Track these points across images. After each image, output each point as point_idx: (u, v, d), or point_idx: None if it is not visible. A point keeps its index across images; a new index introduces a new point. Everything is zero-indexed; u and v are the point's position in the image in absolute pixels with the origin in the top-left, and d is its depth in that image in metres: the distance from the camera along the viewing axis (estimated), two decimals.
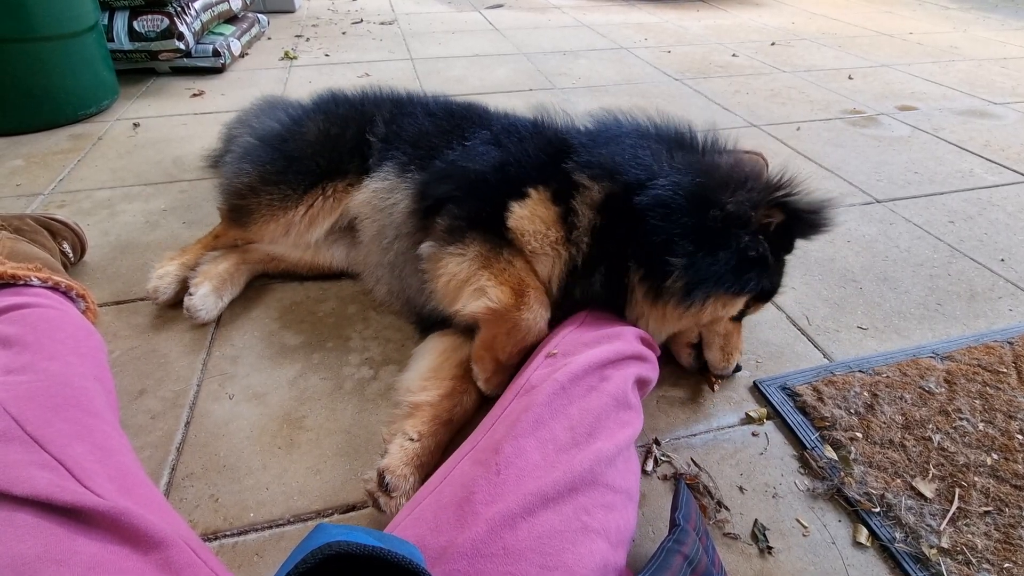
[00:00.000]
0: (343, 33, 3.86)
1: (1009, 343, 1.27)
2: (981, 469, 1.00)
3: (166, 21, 2.73)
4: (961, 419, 1.09)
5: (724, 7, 4.86)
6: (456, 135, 1.29)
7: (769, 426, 1.10)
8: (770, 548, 0.89)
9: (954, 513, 0.93)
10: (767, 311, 1.39)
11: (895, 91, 2.90)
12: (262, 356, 1.23)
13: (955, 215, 1.82)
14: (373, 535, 0.55)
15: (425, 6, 4.75)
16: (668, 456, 1.04)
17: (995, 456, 1.02)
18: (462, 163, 1.19)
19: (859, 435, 1.05)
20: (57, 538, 0.63)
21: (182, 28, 2.77)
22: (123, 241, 1.59)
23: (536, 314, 1.02)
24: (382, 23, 4.15)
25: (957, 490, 0.96)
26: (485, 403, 1.08)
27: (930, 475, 0.99)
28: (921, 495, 0.96)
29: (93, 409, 0.89)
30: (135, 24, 2.71)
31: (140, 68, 2.87)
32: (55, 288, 1.16)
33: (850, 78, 3.08)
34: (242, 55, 3.30)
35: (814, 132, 2.40)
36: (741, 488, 0.99)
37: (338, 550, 0.49)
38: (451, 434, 1.03)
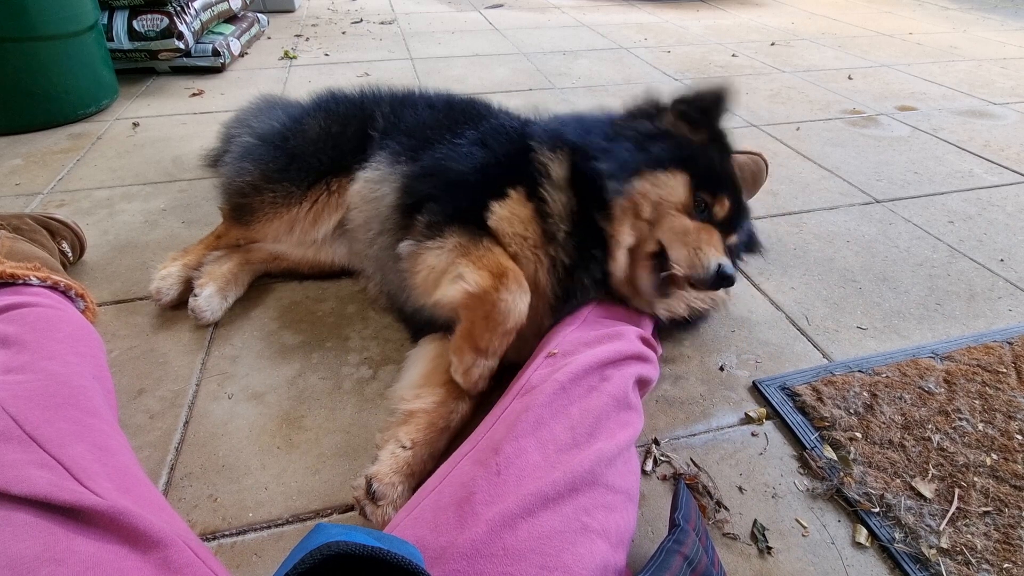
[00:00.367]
0: (343, 33, 3.86)
1: (1008, 343, 1.27)
2: (980, 469, 1.00)
3: (166, 20, 2.73)
4: (960, 419, 1.09)
5: (724, 7, 4.86)
6: (449, 130, 1.28)
7: (769, 426, 1.10)
8: (769, 548, 0.89)
9: (953, 513, 0.93)
10: (766, 311, 1.39)
11: (895, 91, 2.90)
12: (261, 356, 1.23)
13: (955, 215, 1.82)
14: (372, 535, 0.55)
15: (425, 6, 4.75)
16: (668, 456, 1.03)
17: (995, 456, 1.02)
18: (446, 162, 1.19)
19: (859, 435, 1.05)
20: (56, 537, 0.63)
21: (182, 27, 2.77)
22: (122, 240, 1.59)
23: (515, 296, 0.98)
24: (382, 23, 4.14)
25: (956, 490, 0.96)
26: (483, 407, 1.05)
27: (930, 475, 0.99)
28: (921, 495, 0.95)
29: (92, 408, 0.88)
30: (135, 23, 2.71)
31: (140, 67, 2.87)
32: (54, 287, 1.16)
33: (850, 78, 3.08)
34: (242, 55, 3.30)
35: (814, 132, 2.40)
36: (740, 488, 0.99)
37: (337, 550, 0.49)
38: (448, 440, 1.01)
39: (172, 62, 2.90)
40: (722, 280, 1.00)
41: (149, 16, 2.73)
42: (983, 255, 1.62)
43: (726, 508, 0.95)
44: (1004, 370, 1.20)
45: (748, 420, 1.11)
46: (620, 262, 1.06)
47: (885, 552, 0.89)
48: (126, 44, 2.73)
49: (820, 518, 0.94)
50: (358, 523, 0.92)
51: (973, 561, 0.86)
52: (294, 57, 3.30)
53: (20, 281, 1.13)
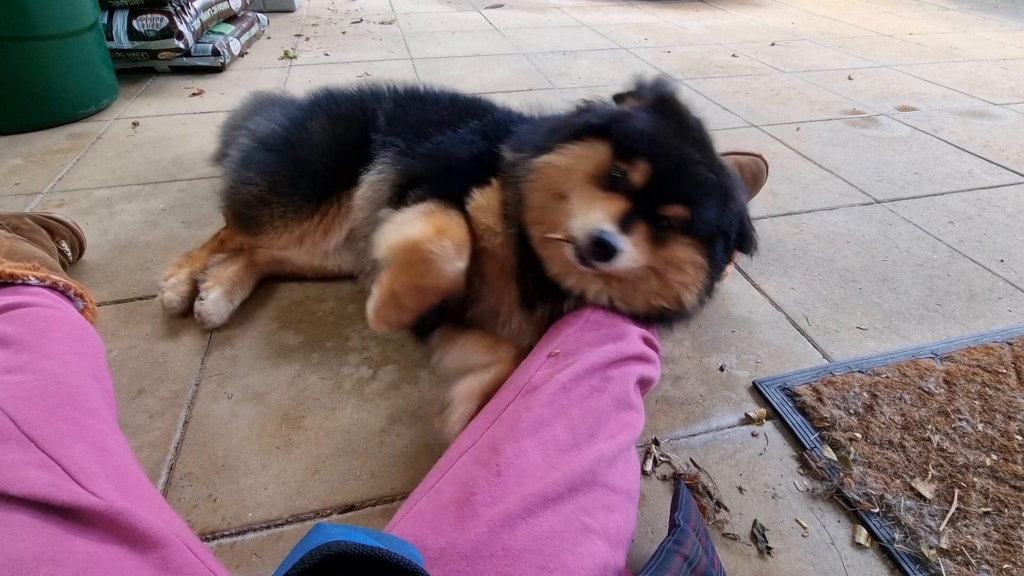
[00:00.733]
0: (343, 33, 3.86)
1: (1008, 344, 1.27)
2: (980, 470, 1.00)
3: (166, 20, 2.73)
4: (960, 420, 1.09)
5: (724, 7, 4.86)
6: (452, 124, 1.28)
7: (768, 426, 1.10)
8: (769, 548, 0.89)
9: (953, 514, 0.93)
10: (767, 311, 1.39)
11: (895, 91, 2.90)
12: (261, 356, 1.23)
13: (955, 216, 1.82)
14: (372, 535, 0.55)
15: (425, 6, 4.75)
16: (667, 456, 1.03)
17: (994, 457, 1.02)
18: (446, 146, 1.20)
19: (858, 435, 1.05)
20: (54, 538, 0.63)
21: (182, 27, 2.77)
22: (122, 240, 1.59)
23: (446, 254, 0.96)
24: (382, 23, 4.14)
25: (956, 491, 0.96)
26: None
27: (929, 476, 0.98)
28: (920, 496, 0.95)
29: (90, 409, 0.88)
30: (135, 23, 2.71)
31: (139, 67, 2.86)
32: (53, 287, 1.16)
33: (850, 78, 3.08)
34: (242, 54, 3.30)
35: (814, 132, 2.40)
36: (740, 488, 0.99)
37: (337, 550, 0.48)
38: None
39: (172, 62, 2.89)
40: (600, 247, 0.88)
41: (149, 16, 2.73)
42: (983, 255, 1.62)
43: (726, 508, 0.95)
44: (1004, 371, 1.20)
45: (748, 420, 1.11)
46: (538, 245, 1.01)
47: (885, 552, 0.89)
48: (126, 44, 2.73)
49: (820, 518, 0.94)
50: (361, 521, 0.92)
51: (973, 562, 0.86)
52: (294, 57, 3.30)
53: (19, 281, 1.13)
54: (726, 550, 0.89)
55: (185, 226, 1.66)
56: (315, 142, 1.35)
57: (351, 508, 0.93)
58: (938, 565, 0.86)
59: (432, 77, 2.96)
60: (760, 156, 1.61)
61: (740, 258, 1.48)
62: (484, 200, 1.07)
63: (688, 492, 0.86)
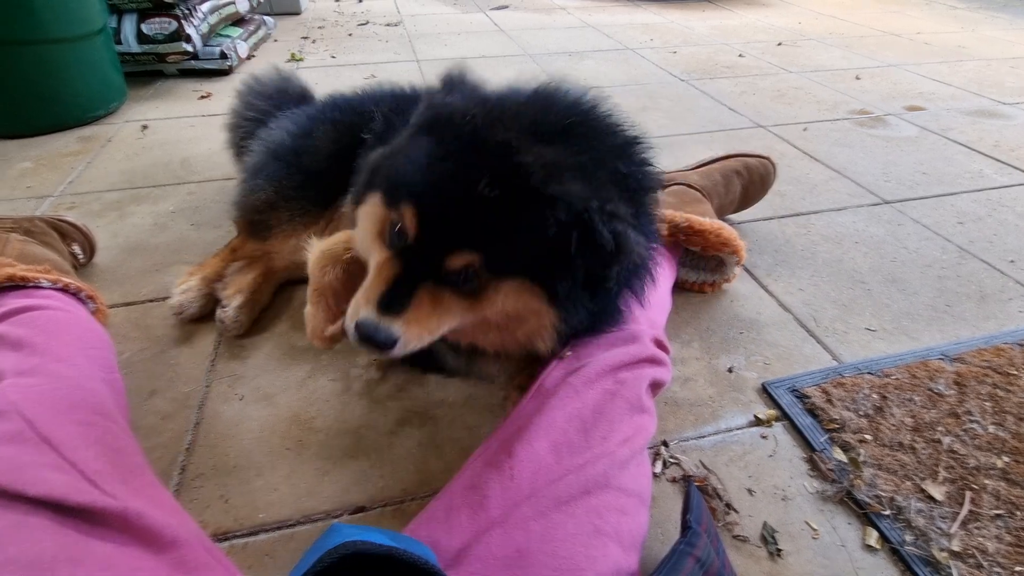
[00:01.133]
0: (349, 35, 3.87)
1: (1020, 345, 1.26)
2: (992, 472, 0.99)
3: (174, 24, 2.74)
4: (971, 421, 1.08)
5: (730, 7, 4.85)
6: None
7: (778, 428, 1.10)
8: (779, 551, 0.89)
9: (965, 516, 0.92)
10: (774, 312, 1.38)
11: (903, 91, 2.89)
12: (271, 357, 1.24)
13: (964, 216, 1.81)
14: (387, 535, 0.55)
15: (430, 7, 4.76)
16: (677, 458, 1.03)
17: (1006, 459, 1.01)
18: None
19: (868, 437, 1.05)
20: (72, 539, 0.63)
21: (190, 30, 2.79)
22: (132, 243, 1.60)
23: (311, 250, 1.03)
24: (387, 24, 4.15)
25: (968, 493, 0.96)
26: None
27: (940, 478, 0.98)
28: (931, 498, 0.95)
29: (103, 410, 0.89)
30: (143, 27, 2.73)
31: (147, 70, 2.88)
32: (64, 290, 1.17)
33: (857, 78, 3.07)
34: (249, 57, 3.31)
35: (821, 133, 2.39)
36: (750, 490, 0.98)
37: (354, 549, 0.49)
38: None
39: (180, 65, 2.91)
40: (367, 340, 0.74)
41: (158, 19, 2.74)
42: (993, 256, 1.61)
43: (735, 510, 0.95)
44: (1015, 372, 1.19)
45: (757, 422, 1.11)
46: None
47: (896, 555, 0.89)
48: (135, 47, 2.75)
49: (830, 520, 0.94)
50: (372, 522, 0.93)
51: (985, 564, 0.86)
52: (301, 59, 3.32)
53: (31, 284, 1.14)
54: (736, 552, 0.89)
55: (194, 228, 1.67)
56: (319, 148, 1.37)
57: (362, 509, 0.94)
58: (949, 568, 0.85)
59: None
60: (768, 158, 1.60)
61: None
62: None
63: (699, 494, 0.86)
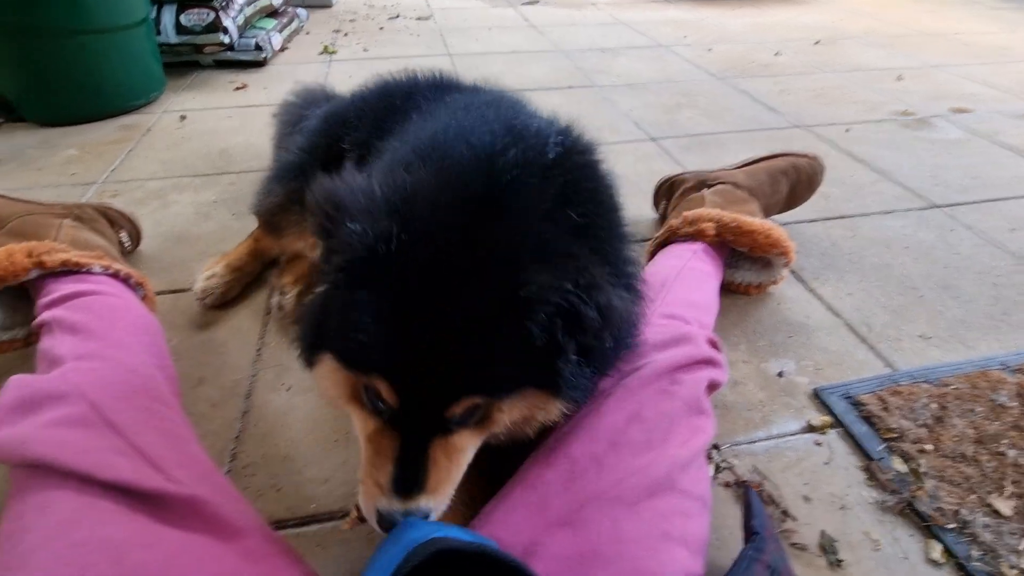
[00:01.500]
0: (380, 28, 3.88)
1: None
2: None
3: (212, 15, 2.77)
4: None
5: (762, 5, 4.76)
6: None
7: (832, 435, 1.07)
8: (840, 560, 0.87)
9: None
10: (823, 317, 1.35)
11: (947, 92, 2.81)
12: None
13: (1017, 222, 1.75)
14: (464, 532, 0.54)
15: (460, 2, 4.74)
16: (729, 463, 1.01)
17: None
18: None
19: (929, 448, 1.02)
20: (142, 524, 0.64)
21: (227, 22, 2.81)
22: (176, 231, 1.62)
23: None
24: (418, 18, 4.15)
25: None
26: None
27: (1007, 492, 0.95)
28: (998, 512, 0.92)
29: (160, 397, 0.90)
30: (182, 18, 2.76)
31: (184, 61, 2.91)
32: (115, 276, 1.18)
33: (899, 79, 3.00)
34: (282, 49, 3.33)
35: (864, 134, 2.33)
36: (806, 498, 0.96)
37: (444, 546, 0.48)
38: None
39: (216, 56, 2.94)
40: (391, 526, 0.64)
41: (196, 11, 2.77)
42: None
43: (792, 517, 0.93)
44: None
45: (811, 428, 1.08)
46: None
47: (962, 570, 0.86)
48: (173, 38, 2.78)
49: (891, 532, 0.91)
50: None
51: None
52: (334, 52, 3.33)
53: (84, 269, 1.15)
54: (795, 561, 0.87)
55: (236, 219, 1.68)
56: (315, 164, 1.34)
57: None
58: None
59: (472, 74, 2.94)
60: (817, 158, 1.56)
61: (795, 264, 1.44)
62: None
63: (759, 500, 0.84)
